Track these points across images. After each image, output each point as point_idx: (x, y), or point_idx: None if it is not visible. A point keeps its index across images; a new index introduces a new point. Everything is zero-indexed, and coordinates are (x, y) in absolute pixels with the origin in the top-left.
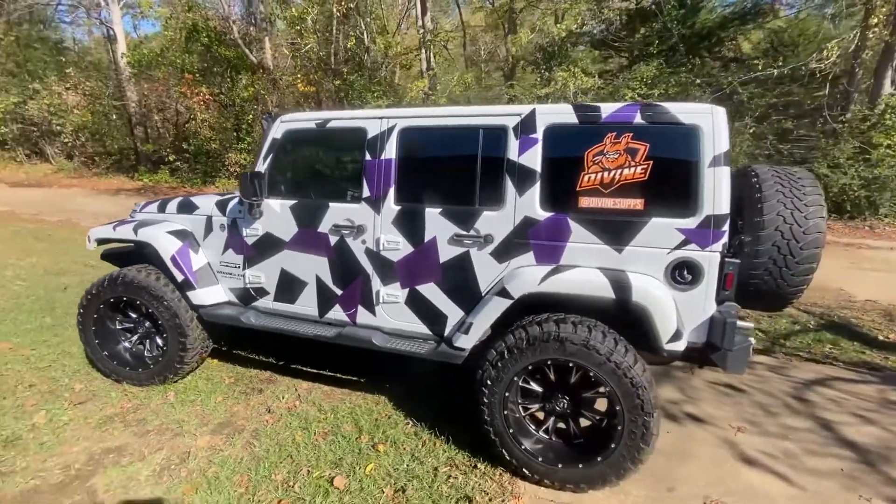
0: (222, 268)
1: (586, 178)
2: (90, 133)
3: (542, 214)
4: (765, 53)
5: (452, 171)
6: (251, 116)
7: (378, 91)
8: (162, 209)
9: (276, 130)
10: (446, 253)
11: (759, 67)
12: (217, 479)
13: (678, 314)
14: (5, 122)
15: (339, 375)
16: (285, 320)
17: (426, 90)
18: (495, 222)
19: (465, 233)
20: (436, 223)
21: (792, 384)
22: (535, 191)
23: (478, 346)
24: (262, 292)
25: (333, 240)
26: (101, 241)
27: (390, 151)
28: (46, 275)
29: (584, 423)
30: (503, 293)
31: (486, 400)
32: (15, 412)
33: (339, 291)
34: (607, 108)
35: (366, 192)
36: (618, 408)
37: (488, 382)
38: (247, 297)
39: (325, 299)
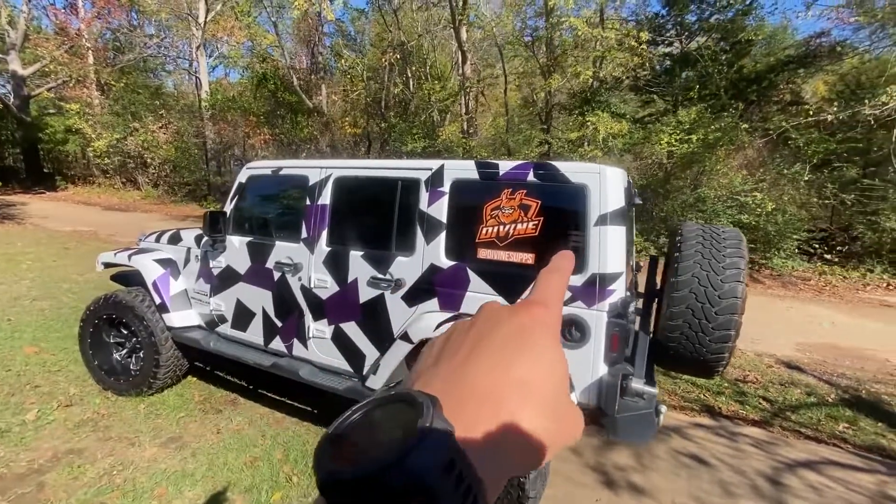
0: (195, 295)
1: (484, 230)
2: (173, 165)
3: (445, 262)
4: (839, 95)
5: (375, 217)
6: (304, 154)
7: (418, 133)
8: (158, 240)
9: (243, 175)
10: (365, 294)
11: (811, 112)
12: (141, 489)
13: None
14: (109, 154)
15: (295, 404)
16: (238, 347)
17: (461, 132)
18: (406, 267)
19: (381, 276)
20: (358, 265)
21: (774, 463)
22: (441, 240)
23: None
24: (222, 319)
25: (277, 275)
26: (107, 265)
27: (325, 197)
28: (96, 290)
29: None
30: (406, 337)
31: None
32: (15, 408)
33: (280, 323)
34: (504, 166)
35: (304, 233)
36: None
37: None
38: (212, 322)
39: (270, 330)
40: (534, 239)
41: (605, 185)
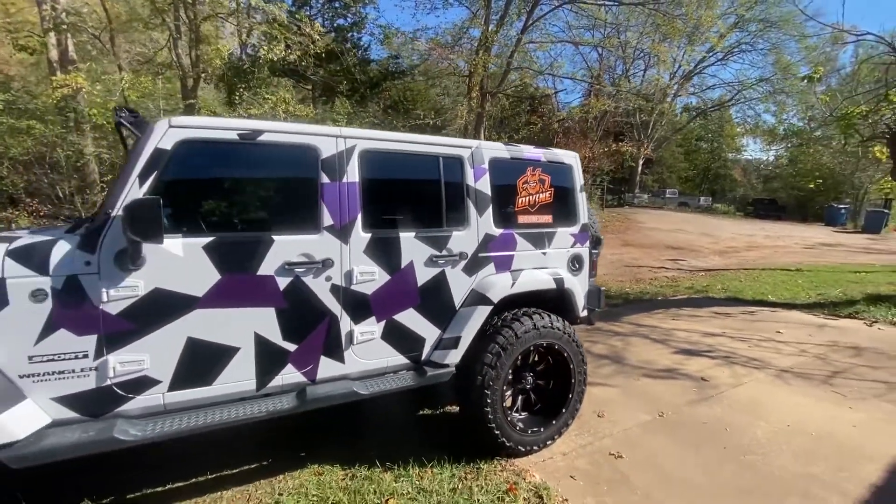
0: (38, 367)
1: (520, 200)
2: None
3: (497, 231)
4: (395, 104)
5: (419, 195)
6: None
7: None
8: None
9: (163, 140)
10: (424, 275)
11: (422, 117)
12: None
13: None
14: None
15: (224, 473)
16: (195, 413)
17: (88, 89)
18: (464, 241)
19: (440, 253)
20: (411, 247)
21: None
22: (490, 212)
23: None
24: (143, 385)
25: (284, 282)
26: None
27: (353, 174)
28: None
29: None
30: (484, 300)
31: (489, 399)
32: None
33: (292, 347)
34: (525, 149)
35: (326, 220)
36: (571, 366)
37: (490, 383)
38: (105, 400)
39: (270, 363)
40: (549, 204)
41: (579, 165)
